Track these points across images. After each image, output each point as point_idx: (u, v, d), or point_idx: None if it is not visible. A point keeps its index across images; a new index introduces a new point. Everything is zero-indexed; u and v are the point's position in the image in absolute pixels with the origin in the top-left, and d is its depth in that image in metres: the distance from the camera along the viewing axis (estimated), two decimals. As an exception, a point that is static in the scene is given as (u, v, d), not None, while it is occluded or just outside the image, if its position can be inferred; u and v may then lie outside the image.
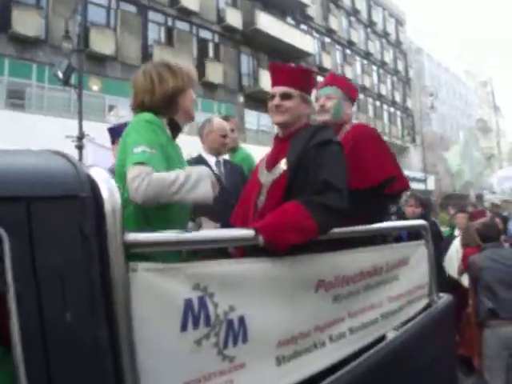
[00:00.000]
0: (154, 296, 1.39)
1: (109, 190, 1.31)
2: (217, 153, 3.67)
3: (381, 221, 2.63)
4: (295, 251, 1.92)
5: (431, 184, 36.21)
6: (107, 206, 1.28)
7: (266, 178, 2.39)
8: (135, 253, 1.38)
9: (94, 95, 19.53)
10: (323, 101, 2.86)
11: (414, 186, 34.82)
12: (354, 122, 3.02)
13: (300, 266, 1.94)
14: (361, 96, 35.18)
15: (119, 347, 1.25)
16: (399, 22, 42.42)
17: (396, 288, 2.63)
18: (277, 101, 2.40)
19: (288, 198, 2.12)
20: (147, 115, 2.11)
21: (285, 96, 2.39)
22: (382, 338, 2.48)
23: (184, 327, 1.46)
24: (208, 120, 3.88)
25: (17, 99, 18.43)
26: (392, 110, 39.77)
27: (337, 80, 2.99)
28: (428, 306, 2.99)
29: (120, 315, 1.27)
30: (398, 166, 2.73)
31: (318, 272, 2.01)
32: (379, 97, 37.61)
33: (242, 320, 1.64)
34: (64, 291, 1.16)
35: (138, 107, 2.23)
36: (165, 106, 2.20)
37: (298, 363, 1.88)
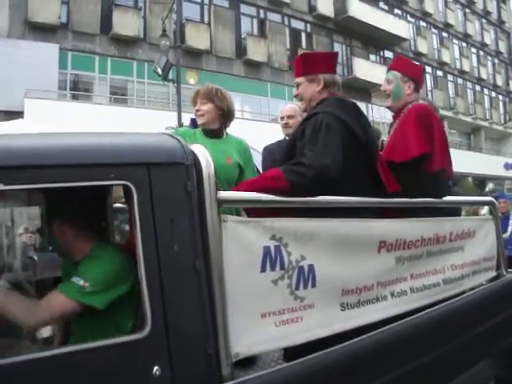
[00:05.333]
0: (240, 242, 1.80)
1: (206, 160, 1.76)
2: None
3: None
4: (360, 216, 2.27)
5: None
6: (204, 172, 1.73)
7: None
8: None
9: (191, 88, 20.50)
10: (383, 86, 3.16)
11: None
12: (421, 101, 3.20)
13: (363, 227, 2.27)
14: (459, 80, 33.88)
15: (211, 275, 1.69)
16: (501, -1, 40.20)
17: (460, 257, 2.86)
18: (294, 92, 2.80)
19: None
20: None
21: (297, 86, 2.75)
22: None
23: (263, 269, 1.85)
24: None
25: (119, 95, 19.81)
26: (493, 94, 37.87)
27: (395, 63, 3.26)
28: (495, 278, 3.16)
29: (213, 254, 1.70)
30: (440, 146, 2.86)
31: (380, 234, 2.33)
32: (479, 81, 35.98)
33: (311, 268, 2.00)
34: (173, 229, 1.62)
35: None
36: None
37: (361, 311, 2.21)
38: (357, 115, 2.59)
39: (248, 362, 2.16)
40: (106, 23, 19.01)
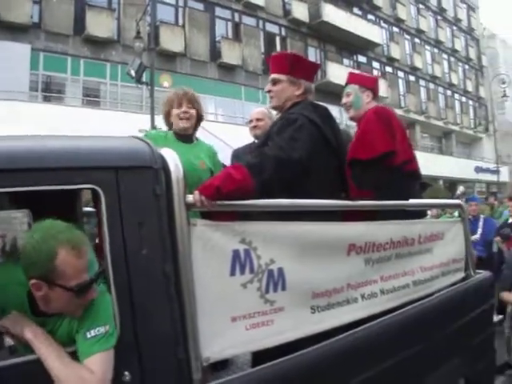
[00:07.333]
0: (209, 246, 1.80)
1: (175, 164, 1.76)
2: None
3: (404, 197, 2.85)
4: (329, 219, 2.28)
5: (505, 175, 35.05)
6: (173, 176, 1.73)
7: None
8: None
9: (165, 91, 20.39)
10: (344, 99, 3.25)
11: (487, 177, 33.96)
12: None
13: (333, 230, 2.29)
14: (431, 85, 34.40)
15: (180, 280, 1.69)
16: (471, 8, 40.97)
17: (429, 259, 2.90)
18: (268, 87, 2.75)
19: None
20: None
21: (274, 81, 2.72)
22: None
23: (232, 272, 1.86)
24: None
25: (92, 97, 19.57)
26: (464, 99, 38.55)
27: (350, 77, 3.33)
28: (464, 279, 3.21)
29: (182, 258, 1.70)
30: (401, 140, 2.93)
31: (349, 237, 2.35)
32: (450, 86, 36.63)
33: (280, 271, 2.01)
34: (141, 233, 1.62)
35: None
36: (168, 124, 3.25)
37: (331, 314, 2.22)
38: (329, 120, 2.62)
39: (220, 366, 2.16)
40: (79, 24, 18.75)
